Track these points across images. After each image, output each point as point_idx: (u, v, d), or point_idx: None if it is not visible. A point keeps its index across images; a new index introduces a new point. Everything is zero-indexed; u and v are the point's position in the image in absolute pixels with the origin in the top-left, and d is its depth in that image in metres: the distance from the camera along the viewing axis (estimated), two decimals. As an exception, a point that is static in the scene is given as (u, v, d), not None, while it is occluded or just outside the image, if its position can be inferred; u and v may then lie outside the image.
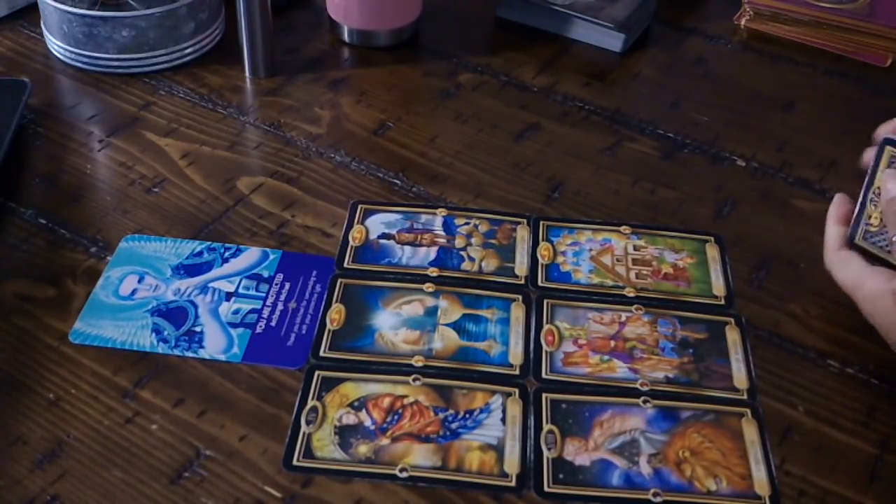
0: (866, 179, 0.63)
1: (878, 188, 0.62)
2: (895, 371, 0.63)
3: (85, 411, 0.58)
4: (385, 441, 0.57)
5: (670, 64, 0.91)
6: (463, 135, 0.81)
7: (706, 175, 0.78)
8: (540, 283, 0.67)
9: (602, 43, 0.92)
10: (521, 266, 0.69)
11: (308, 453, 0.57)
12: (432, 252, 0.69)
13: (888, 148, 0.62)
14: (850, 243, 0.63)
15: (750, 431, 0.59)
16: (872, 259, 0.62)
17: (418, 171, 0.77)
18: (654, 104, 0.85)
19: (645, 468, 0.57)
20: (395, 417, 0.59)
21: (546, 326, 0.64)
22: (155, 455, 0.56)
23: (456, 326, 0.64)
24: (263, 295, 0.66)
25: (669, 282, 0.68)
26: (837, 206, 0.66)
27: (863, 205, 0.63)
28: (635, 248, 0.71)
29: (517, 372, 0.62)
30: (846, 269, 0.62)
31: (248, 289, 0.66)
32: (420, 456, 0.57)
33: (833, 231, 0.65)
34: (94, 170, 0.76)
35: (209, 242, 0.70)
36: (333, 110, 0.83)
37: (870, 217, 0.62)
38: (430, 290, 0.67)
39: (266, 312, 0.65)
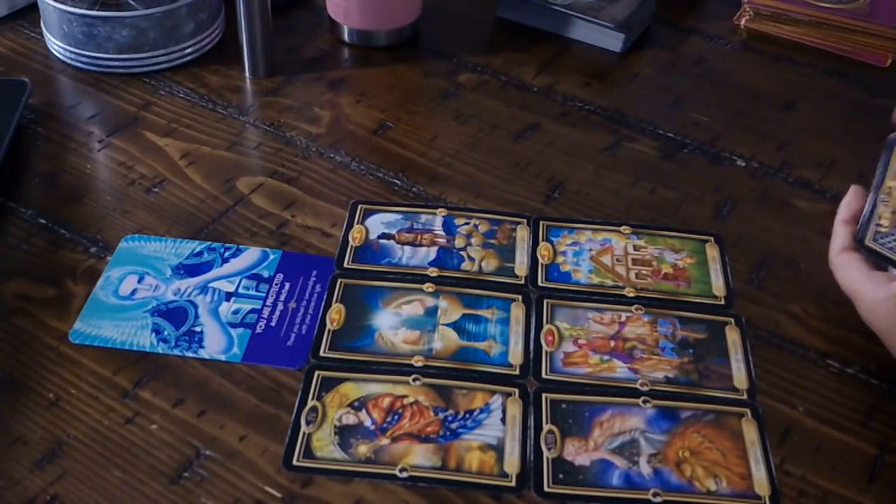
0: (875, 180, 0.62)
1: (890, 188, 0.61)
2: (895, 371, 0.63)
3: (85, 411, 0.58)
4: (385, 441, 0.57)
5: (670, 64, 0.91)
6: (463, 135, 0.81)
7: (706, 175, 0.78)
8: (540, 283, 0.67)
9: (602, 43, 0.92)
10: (521, 266, 0.69)
11: (308, 453, 0.57)
12: (432, 252, 0.69)
13: None
14: (859, 244, 0.63)
15: (750, 431, 0.59)
16: (877, 262, 0.62)
17: (418, 171, 0.77)
18: (654, 104, 0.85)
19: (645, 468, 0.57)
20: (395, 417, 0.59)
21: (546, 326, 0.64)
22: (155, 455, 0.56)
23: (456, 326, 0.64)
24: (263, 295, 0.66)
25: (669, 282, 0.68)
26: (849, 203, 0.64)
27: (873, 205, 0.62)
28: (635, 248, 0.71)
29: (517, 372, 0.62)
30: (847, 272, 0.62)
31: (248, 289, 0.66)
32: (420, 456, 0.57)
33: (840, 231, 0.64)
34: (94, 170, 0.76)
35: (209, 242, 0.70)
36: (333, 110, 0.83)
37: (880, 218, 0.62)
38: (430, 290, 0.67)
39: (266, 312, 0.65)
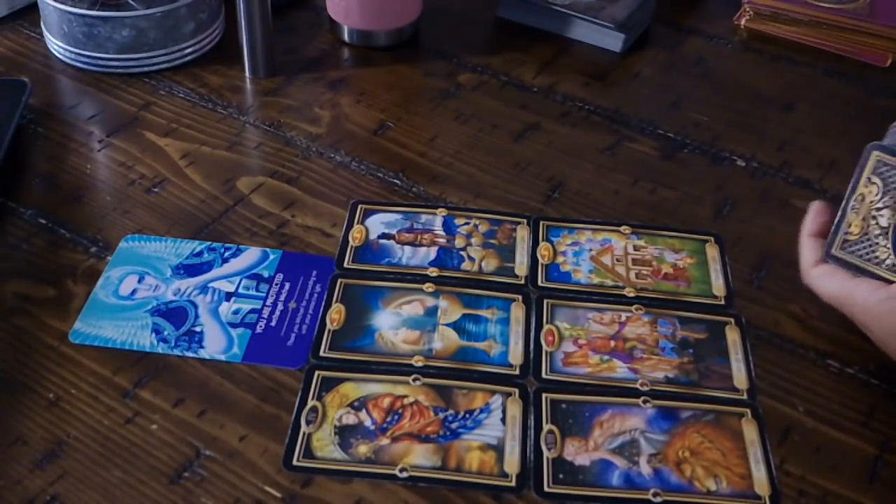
0: (849, 187, 0.62)
1: (862, 195, 0.61)
2: (895, 371, 0.63)
3: (85, 411, 0.58)
4: (385, 441, 0.57)
5: (670, 64, 0.91)
6: (463, 135, 0.81)
7: (706, 175, 0.78)
8: (540, 283, 0.67)
9: (602, 43, 0.92)
10: (521, 266, 0.69)
11: (308, 453, 0.57)
12: (432, 252, 0.69)
13: (874, 153, 0.61)
14: (826, 255, 0.62)
15: (750, 431, 0.59)
16: (849, 272, 0.61)
17: (418, 171, 0.77)
18: (654, 104, 0.85)
19: (645, 468, 0.57)
20: (395, 417, 0.59)
21: (546, 326, 0.64)
22: (155, 455, 0.56)
23: (456, 326, 0.64)
24: (263, 295, 0.66)
25: (669, 282, 0.68)
26: (813, 218, 0.65)
27: (843, 213, 0.62)
28: (635, 248, 0.71)
29: (517, 372, 0.62)
30: (830, 282, 0.61)
31: (248, 289, 0.66)
32: (420, 456, 0.57)
33: (809, 244, 0.64)
34: (94, 170, 0.76)
35: (209, 242, 0.70)
36: (333, 110, 0.83)
37: (850, 225, 0.61)
38: (430, 290, 0.67)
39: (266, 312, 0.65)
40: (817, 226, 0.64)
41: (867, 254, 0.60)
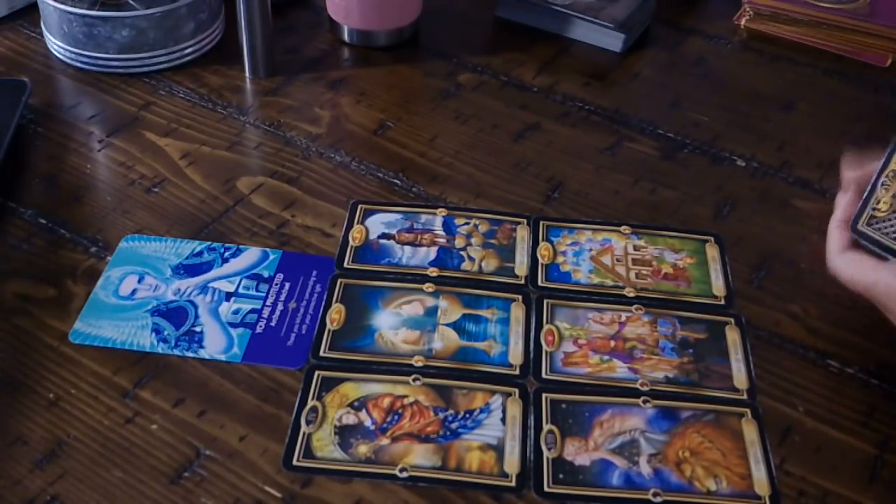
0: (881, 164, 0.60)
1: (894, 171, 0.59)
2: (895, 371, 0.63)
3: (85, 411, 0.58)
4: (385, 441, 0.57)
5: (670, 64, 0.91)
6: (463, 135, 0.81)
7: (706, 175, 0.78)
8: (540, 283, 0.67)
9: (602, 43, 0.92)
10: (521, 266, 0.69)
11: (308, 453, 0.57)
12: (432, 252, 0.69)
13: None
14: (852, 229, 0.61)
15: (750, 431, 0.59)
16: (872, 251, 0.60)
17: (418, 171, 0.77)
18: (654, 104, 0.85)
19: (645, 468, 0.57)
20: (395, 417, 0.59)
21: (546, 326, 0.64)
22: (155, 455, 0.56)
23: (456, 326, 0.64)
24: (263, 295, 0.66)
25: (669, 282, 0.68)
26: (845, 207, 0.63)
27: (873, 188, 0.60)
28: (635, 248, 0.71)
29: (517, 372, 0.62)
30: (856, 267, 0.60)
31: (248, 289, 0.66)
32: (420, 456, 0.57)
33: (836, 235, 0.63)
34: (94, 170, 0.76)
35: (209, 242, 0.70)
36: (333, 110, 0.83)
37: (878, 202, 0.60)
38: (430, 290, 0.67)
39: (266, 312, 0.65)
40: (849, 214, 0.62)
41: (894, 231, 0.60)
